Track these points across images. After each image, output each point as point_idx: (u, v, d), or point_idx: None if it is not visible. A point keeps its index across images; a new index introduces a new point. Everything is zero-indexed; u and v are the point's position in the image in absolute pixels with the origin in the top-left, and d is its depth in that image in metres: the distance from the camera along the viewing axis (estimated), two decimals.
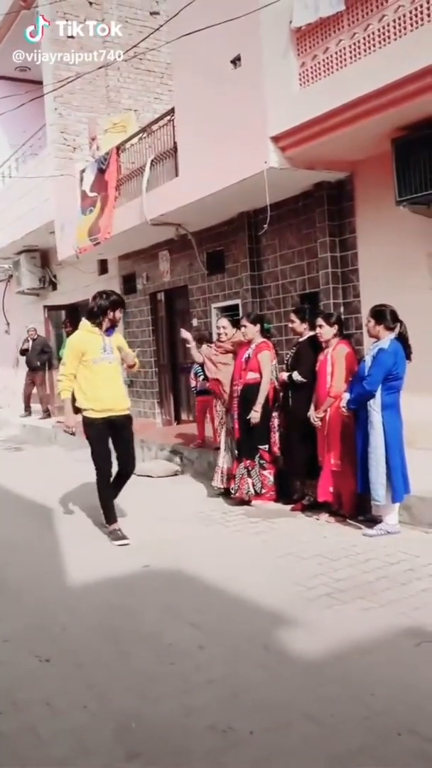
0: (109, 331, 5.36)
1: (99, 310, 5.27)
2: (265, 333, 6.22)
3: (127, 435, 5.47)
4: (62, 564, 4.80)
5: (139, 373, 10.39)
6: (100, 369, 5.25)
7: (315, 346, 5.66)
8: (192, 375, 8.36)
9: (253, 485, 6.01)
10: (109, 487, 5.41)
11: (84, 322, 5.39)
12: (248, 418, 5.92)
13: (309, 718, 2.66)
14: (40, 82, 12.45)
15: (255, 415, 5.90)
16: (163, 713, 2.76)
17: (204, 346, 6.82)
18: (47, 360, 13.53)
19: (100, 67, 11.49)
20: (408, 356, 4.97)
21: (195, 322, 10.28)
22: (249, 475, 6.03)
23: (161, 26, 9.49)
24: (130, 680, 3.06)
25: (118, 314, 5.34)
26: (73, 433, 5.45)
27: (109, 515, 5.38)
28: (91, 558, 4.89)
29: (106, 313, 5.27)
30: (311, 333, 5.75)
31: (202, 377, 7.74)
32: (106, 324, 5.31)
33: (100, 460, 5.33)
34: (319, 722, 2.63)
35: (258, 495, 6.03)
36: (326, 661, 3.12)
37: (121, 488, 5.55)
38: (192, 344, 6.66)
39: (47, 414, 13.06)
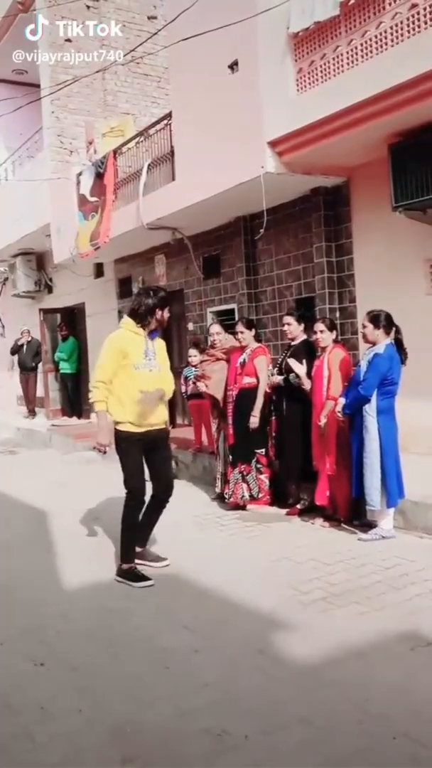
0: (153, 333, 4.62)
1: (146, 310, 4.52)
2: (257, 338, 6.26)
3: (166, 453, 4.75)
4: (57, 567, 4.79)
5: None
6: (141, 376, 4.48)
7: (309, 349, 5.68)
8: (182, 379, 8.00)
9: (250, 490, 6.01)
10: (140, 514, 4.60)
11: (127, 320, 4.61)
12: (248, 423, 5.92)
13: (304, 721, 2.66)
14: (37, 85, 12.46)
15: (254, 420, 5.91)
16: (157, 717, 2.75)
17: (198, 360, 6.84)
18: (40, 361, 13.96)
19: (98, 71, 11.51)
20: (403, 361, 4.99)
21: (191, 326, 10.28)
22: (244, 480, 6.03)
23: (159, 30, 9.53)
24: (124, 684, 3.05)
25: (167, 314, 4.61)
26: (105, 452, 4.60)
27: (129, 551, 4.53)
28: (86, 561, 4.87)
29: (153, 312, 4.52)
30: (304, 337, 5.76)
31: (192, 382, 7.63)
32: (153, 324, 4.58)
33: (134, 478, 4.51)
34: (314, 726, 2.63)
35: (254, 499, 6.03)
36: (321, 665, 3.12)
37: (158, 518, 4.73)
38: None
39: (32, 414, 13.82)
